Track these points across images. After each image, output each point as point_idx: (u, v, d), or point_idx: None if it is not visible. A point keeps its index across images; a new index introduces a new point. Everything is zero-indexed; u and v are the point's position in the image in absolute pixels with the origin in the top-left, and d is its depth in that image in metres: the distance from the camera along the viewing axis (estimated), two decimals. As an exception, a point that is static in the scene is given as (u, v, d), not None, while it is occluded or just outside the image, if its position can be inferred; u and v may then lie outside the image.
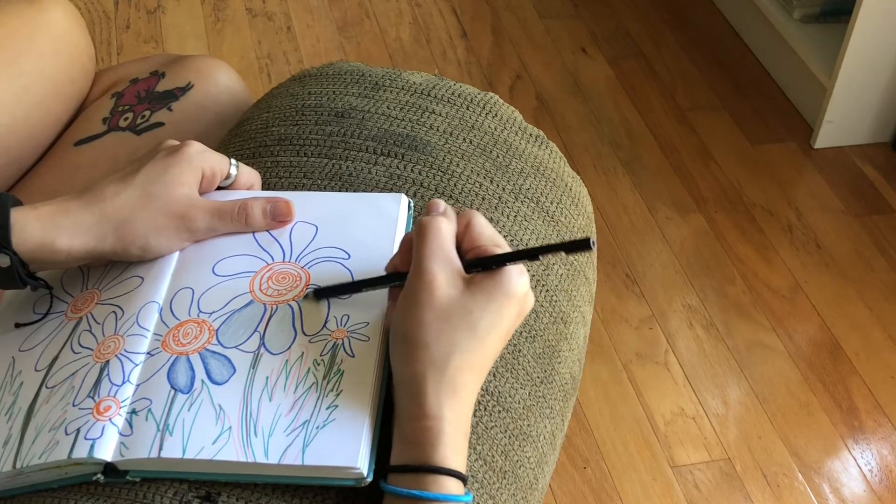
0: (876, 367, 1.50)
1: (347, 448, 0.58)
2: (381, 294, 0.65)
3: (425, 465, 0.56)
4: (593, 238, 0.60)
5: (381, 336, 0.63)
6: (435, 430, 0.56)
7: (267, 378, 0.61)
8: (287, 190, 0.76)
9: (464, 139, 0.81)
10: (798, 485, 1.36)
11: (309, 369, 0.61)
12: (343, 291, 0.65)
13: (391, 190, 0.76)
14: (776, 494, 1.34)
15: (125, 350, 0.63)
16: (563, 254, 0.62)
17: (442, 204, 0.62)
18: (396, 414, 0.59)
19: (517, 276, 0.60)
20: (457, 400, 0.58)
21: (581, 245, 0.60)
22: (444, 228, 0.61)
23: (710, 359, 1.51)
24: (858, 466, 1.38)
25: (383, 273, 0.66)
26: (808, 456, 1.39)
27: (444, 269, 0.59)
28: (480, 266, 0.61)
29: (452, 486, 0.56)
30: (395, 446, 0.58)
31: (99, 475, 0.59)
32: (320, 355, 0.62)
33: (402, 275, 0.62)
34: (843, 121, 1.83)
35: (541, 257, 0.62)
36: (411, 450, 0.57)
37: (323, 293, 0.65)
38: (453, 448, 0.57)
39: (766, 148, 1.86)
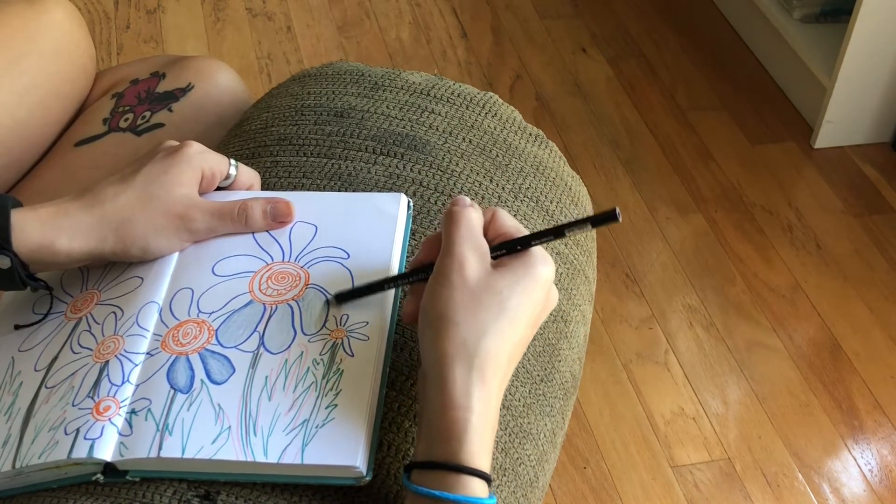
0: (876, 367, 1.50)
1: (347, 447, 0.58)
2: (382, 294, 0.65)
3: (450, 463, 0.54)
4: (618, 209, 0.59)
5: (381, 336, 0.63)
6: (462, 423, 0.55)
7: (266, 377, 0.61)
8: (286, 190, 0.76)
9: (463, 139, 0.81)
10: (798, 485, 1.36)
11: (308, 369, 0.62)
12: (366, 292, 0.65)
13: (391, 189, 0.76)
14: (776, 494, 1.34)
15: (125, 350, 0.63)
16: (589, 226, 0.61)
17: (468, 198, 0.63)
18: (422, 408, 0.58)
19: (542, 259, 0.61)
20: (485, 389, 0.56)
21: (607, 217, 0.60)
22: (474, 217, 0.62)
23: (710, 359, 1.51)
24: (858, 466, 1.38)
25: (384, 271, 0.66)
26: (808, 456, 1.39)
27: (474, 251, 0.60)
28: (507, 249, 0.61)
29: (477, 487, 0.54)
30: (420, 442, 0.57)
31: (98, 475, 0.59)
32: (319, 355, 0.62)
33: (427, 268, 0.62)
34: (842, 121, 1.83)
35: (567, 233, 0.62)
36: (437, 445, 0.55)
37: (346, 296, 0.65)
38: (480, 445, 0.55)
39: (766, 148, 1.86)
